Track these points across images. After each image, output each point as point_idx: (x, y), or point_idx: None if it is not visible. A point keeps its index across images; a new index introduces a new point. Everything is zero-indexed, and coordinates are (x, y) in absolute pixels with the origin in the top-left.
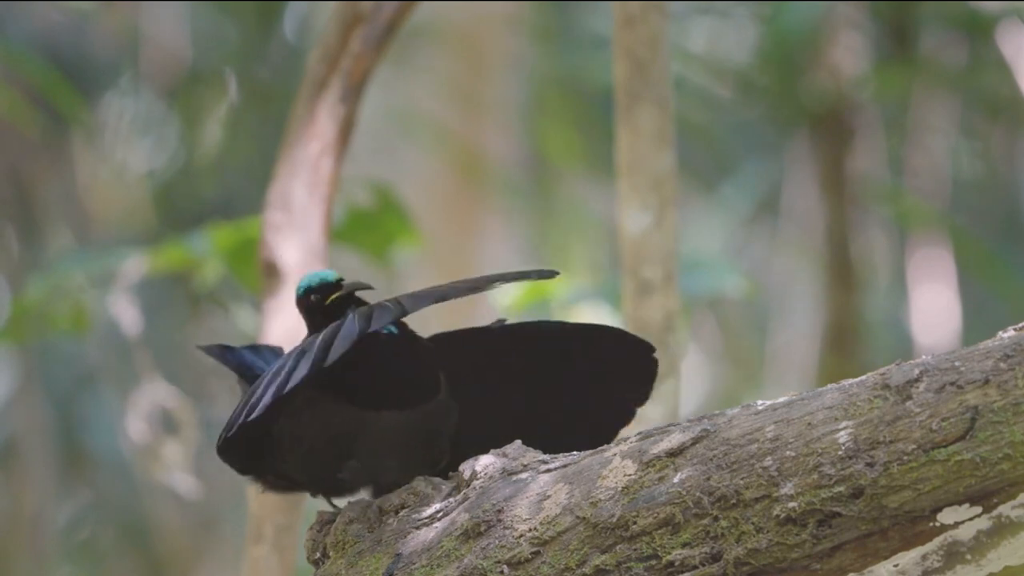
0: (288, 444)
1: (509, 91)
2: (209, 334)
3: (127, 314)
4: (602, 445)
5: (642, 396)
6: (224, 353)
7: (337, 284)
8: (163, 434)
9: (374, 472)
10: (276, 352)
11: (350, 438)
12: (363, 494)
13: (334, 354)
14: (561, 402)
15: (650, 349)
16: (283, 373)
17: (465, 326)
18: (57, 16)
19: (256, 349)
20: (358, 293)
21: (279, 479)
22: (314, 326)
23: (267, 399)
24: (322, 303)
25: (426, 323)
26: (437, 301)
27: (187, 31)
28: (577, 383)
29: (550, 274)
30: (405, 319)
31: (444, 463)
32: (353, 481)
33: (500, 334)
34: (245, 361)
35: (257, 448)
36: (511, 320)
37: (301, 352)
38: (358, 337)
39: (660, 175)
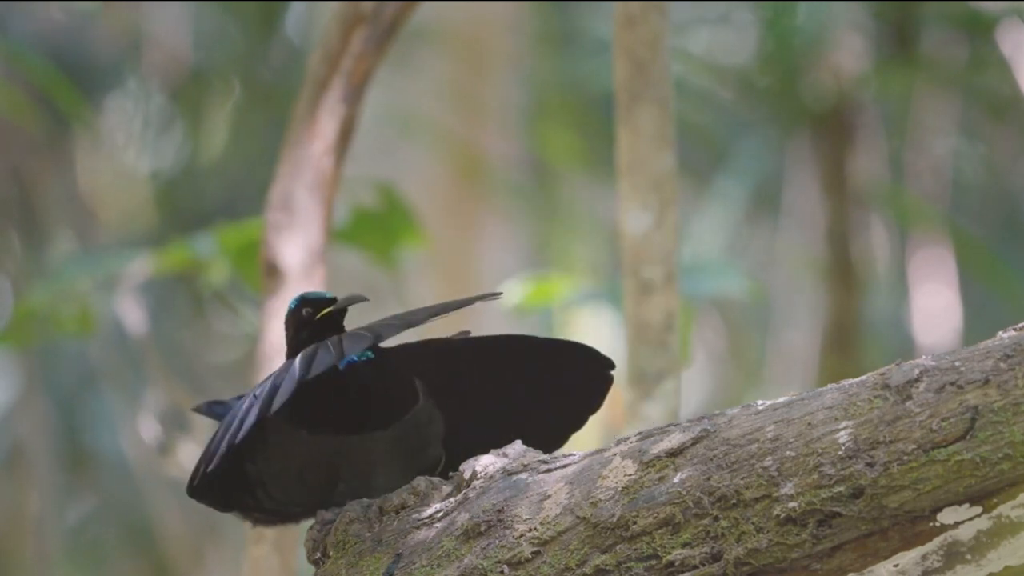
0: (271, 482)
1: (510, 92)
2: (214, 335)
3: (133, 315)
4: (554, 448)
5: (595, 406)
6: (212, 408)
7: (331, 300)
8: (174, 433)
9: (365, 492)
10: None
11: (335, 466)
12: None
13: (278, 401)
14: (521, 408)
15: (609, 364)
16: (233, 425)
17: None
18: (60, 16)
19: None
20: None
21: (267, 515)
22: (296, 344)
23: (223, 449)
24: (312, 316)
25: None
26: (406, 327)
27: (189, 31)
28: (536, 391)
29: (493, 296)
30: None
31: (440, 467)
32: (346, 501)
33: (465, 345)
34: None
35: (237, 484)
36: (475, 333)
37: (254, 397)
38: (297, 384)
39: (660, 175)
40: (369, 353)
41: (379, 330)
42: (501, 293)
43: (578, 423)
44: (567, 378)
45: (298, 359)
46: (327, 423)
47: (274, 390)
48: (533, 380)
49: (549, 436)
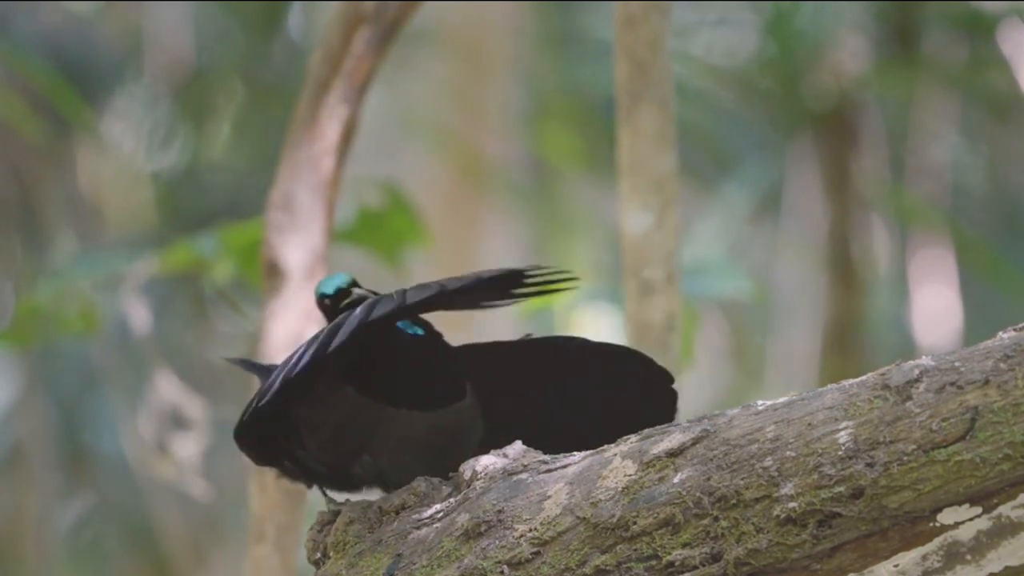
0: (307, 430)
1: (510, 93)
2: (216, 335)
3: (138, 315)
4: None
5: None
6: (248, 364)
7: (348, 290)
8: (175, 432)
9: (387, 470)
10: None
11: (366, 432)
12: (376, 494)
13: (338, 340)
14: (581, 418)
15: (669, 378)
16: (292, 361)
17: (494, 339)
18: (61, 18)
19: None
20: None
21: (295, 466)
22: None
23: (277, 386)
24: (336, 306)
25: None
26: (440, 292)
27: (191, 32)
28: (598, 401)
29: (569, 279)
30: (434, 325)
31: None
32: (367, 477)
33: (528, 348)
34: (270, 368)
35: (274, 435)
36: (538, 334)
37: (311, 341)
38: (358, 325)
39: (661, 176)
40: (418, 329)
41: (446, 283)
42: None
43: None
44: (627, 391)
45: (359, 307)
46: (373, 385)
47: (336, 329)
48: (594, 388)
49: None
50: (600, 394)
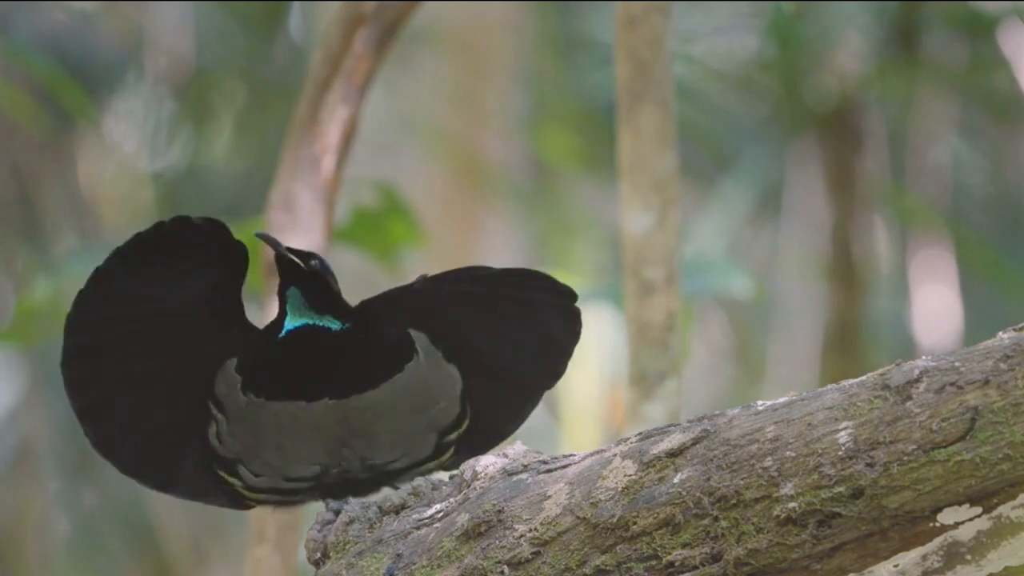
0: (248, 456)
1: (510, 93)
2: None
3: None
4: (542, 385)
5: (574, 334)
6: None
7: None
8: None
9: (369, 455)
10: None
11: (327, 432)
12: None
13: None
14: (507, 342)
15: (572, 296)
16: None
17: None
18: (62, 16)
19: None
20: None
21: (264, 494)
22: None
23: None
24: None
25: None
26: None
27: (193, 31)
28: (511, 324)
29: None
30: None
31: (464, 425)
32: (355, 469)
33: (435, 285)
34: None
35: (214, 468)
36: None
37: None
38: None
39: (662, 176)
40: (335, 324)
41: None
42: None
43: (563, 356)
44: (540, 311)
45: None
46: (313, 389)
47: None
48: (508, 316)
49: (536, 379)
50: (512, 318)
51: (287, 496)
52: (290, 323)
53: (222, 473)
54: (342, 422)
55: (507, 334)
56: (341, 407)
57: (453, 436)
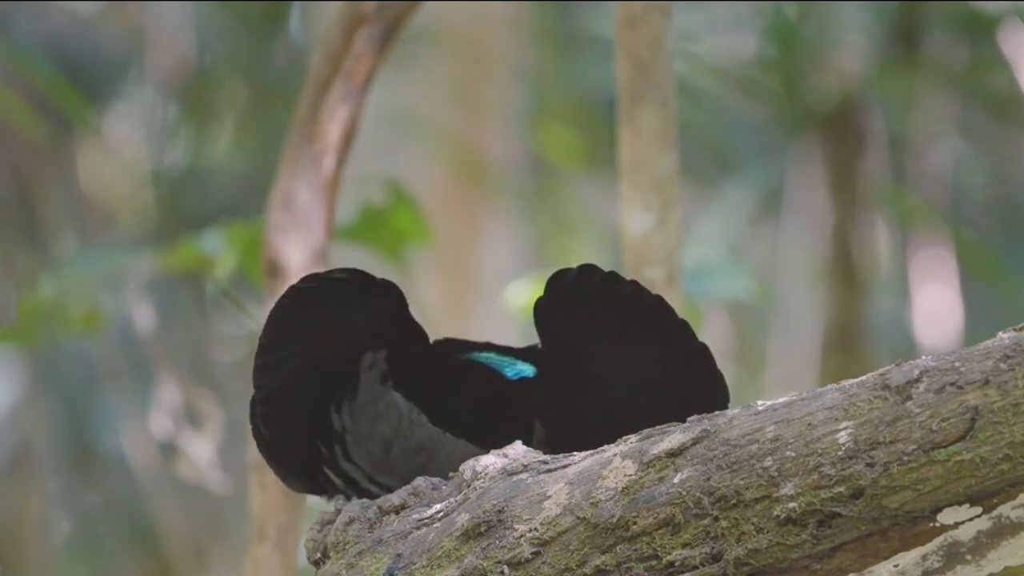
0: (353, 440)
1: (511, 92)
2: (218, 334)
3: (142, 313)
4: None
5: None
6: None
7: None
8: (188, 430)
9: None
10: None
11: (423, 454)
12: None
13: None
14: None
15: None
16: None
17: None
18: (63, 18)
19: None
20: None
21: (341, 480)
22: None
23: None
24: None
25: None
26: None
27: (193, 32)
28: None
29: None
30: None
31: None
32: None
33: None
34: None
35: (314, 446)
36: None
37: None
38: None
39: (662, 176)
40: (527, 371)
41: None
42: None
43: None
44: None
45: None
46: (429, 404)
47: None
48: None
49: None
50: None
51: (359, 493)
52: (484, 358)
53: (321, 446)
54: (444, 459)
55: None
56: (457, 446)
57: None
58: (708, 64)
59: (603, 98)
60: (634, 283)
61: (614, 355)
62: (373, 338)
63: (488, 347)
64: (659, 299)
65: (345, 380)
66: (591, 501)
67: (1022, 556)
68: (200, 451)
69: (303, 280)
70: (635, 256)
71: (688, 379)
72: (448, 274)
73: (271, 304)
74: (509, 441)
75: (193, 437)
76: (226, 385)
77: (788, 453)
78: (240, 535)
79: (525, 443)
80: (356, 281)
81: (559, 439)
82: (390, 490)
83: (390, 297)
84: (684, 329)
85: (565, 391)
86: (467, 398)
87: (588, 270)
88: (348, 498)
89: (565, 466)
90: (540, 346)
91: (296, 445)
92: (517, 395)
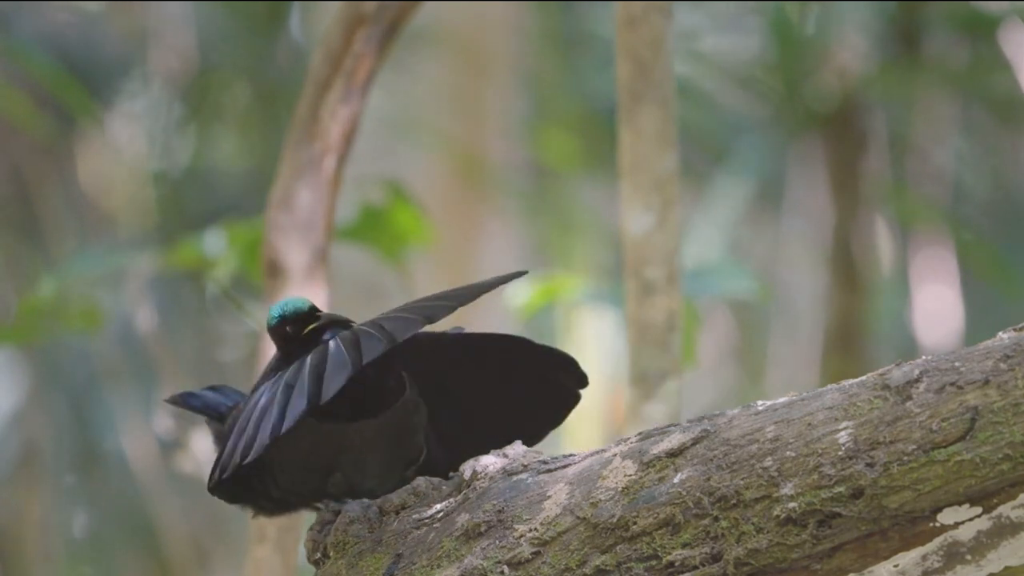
0: (280, 469)
1: (511, 93)
2: (219, 333)
3: (143, 312)
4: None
5: (558, 420)
6: (187, 399)
7: (312, 314)
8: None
9: (355, 481)
10: (236, 393)
11: (333, 453)
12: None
13: (329, 390)
14: (496, 407)
15: (583, 383)
16: (274, 410)
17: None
18: (65, 17)
19: (217, 389)
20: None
21: (271, 504)
22: (288, 353)
23: (265, 438)
24: (298, 333)
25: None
26: (425, 324)
27: (195, 32)
28: (511, 394)
29: (519, 274)
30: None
31: (421, 459)
32: (338, 492)
33: (454, 339)
34: (209, 403)
35: (246, 477)
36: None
37: (289, 387)
38: (352, 371)
39: (662, 176)
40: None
41: (429, 312)
42: (526, 271)
43: (539, 435)
44: (544, 387)
45: (335, 345)
46: (332, 410)
47: (319, 379)
48: (512, 381)
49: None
50: (514, 387)
51: (284, 506)
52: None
53: (255, 480)
54: (341, 448)
55: (502, 396)
56: (348, 431)
57: (412, 469)
58: (709, 64)
59: (603, 99)
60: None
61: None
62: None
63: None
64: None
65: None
66: (591, 501)
67: (1022, 556)
68: (203, 447)
69: None
70: (635, 256)
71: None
72: (448, 274)
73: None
74: (392, 397)
75: (195, 434)
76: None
77: (788, 453)
78: (241, 535)
79: (403, 389)
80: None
81: (421, 378)
82: (303, 497)
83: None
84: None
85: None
86: (352, 386)
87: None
88: (271, 512)
89: (565, 466)
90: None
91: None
92: (386, 364)
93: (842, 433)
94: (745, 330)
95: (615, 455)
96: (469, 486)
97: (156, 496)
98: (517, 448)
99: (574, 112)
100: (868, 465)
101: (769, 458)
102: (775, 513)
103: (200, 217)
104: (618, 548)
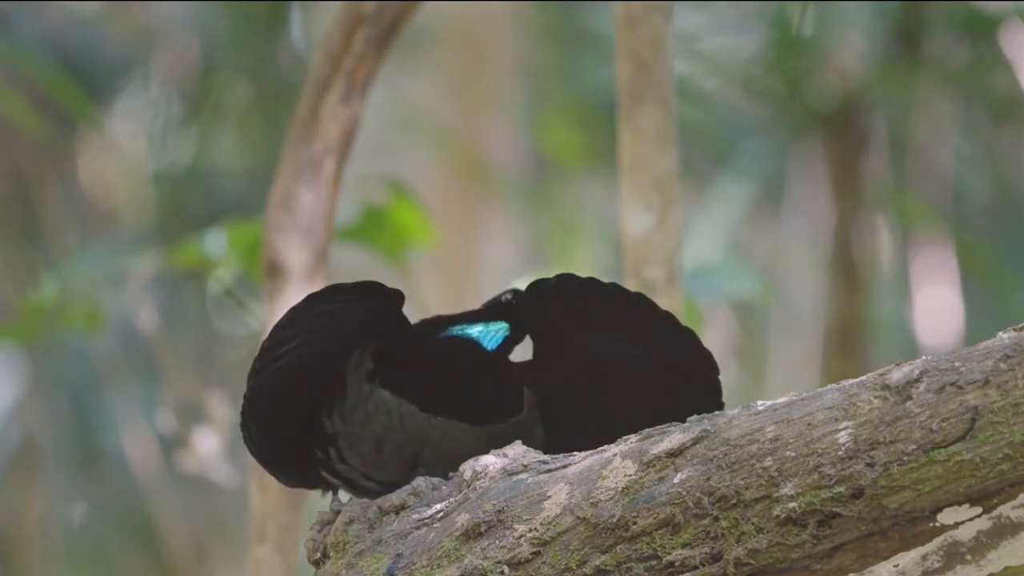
0: (345, 443)
1: (512, 91)
2: (219, 333)
3: (144, 312)
4: None
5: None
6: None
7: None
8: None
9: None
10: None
11: (415, 444)
12: None
13: None
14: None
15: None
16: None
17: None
18: (66, 18)
19: None
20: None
21: (338, 479)
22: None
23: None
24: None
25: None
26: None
27: (197, 32)
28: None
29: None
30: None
31: None
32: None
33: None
34: None
35: (307, 449)
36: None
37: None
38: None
39: (662, 175)
40: (502, 329)
41: None
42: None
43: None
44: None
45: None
46: (423, 397)
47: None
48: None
49: None
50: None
51: (357, 491)
52: (455, 329)
53: (316, 450)
54: (438, 444)
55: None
56: (433, 424)
57: None
58: (709, 64)
59: (604, 97)
60: (615, 283)
61: (599, 333)
62: (360, 335)
63: (461, 319)
64: (641, 295)
65: (334, 383)
66: (591, 501)
67: (1022, 556)
68: (205, 445)
69: (317, 292)
70: (635, 256)
71: (673, 352)
72: (448, 273)
73: (272, 304)
74: (500, 412)
75: (198, 432)
76: (228, 384)
77: (788, 453)
78: (242, 534)
79: (517, 409)
80: (354, 288)
81: (551, 406)
82: (386, 485)
83: (378, 295)
84: (669, 317)
85: (551, 361)
86: (452, 377)
87: (567, 275)
88: (336, 494)
89: (565, 466)
90: (506, 298)
91: (288, 446)
92: (500, 362)
93: (842, 433)
94: (746, 330)
95: (615, 455)
96: (469, 486)
97: (156, 496)
98: (517, 448)
99: (575, 110)
100: (868, 465)
101: (769, 458)
102: (775, 513)
103: (201, 217)
104: (618, 548)
